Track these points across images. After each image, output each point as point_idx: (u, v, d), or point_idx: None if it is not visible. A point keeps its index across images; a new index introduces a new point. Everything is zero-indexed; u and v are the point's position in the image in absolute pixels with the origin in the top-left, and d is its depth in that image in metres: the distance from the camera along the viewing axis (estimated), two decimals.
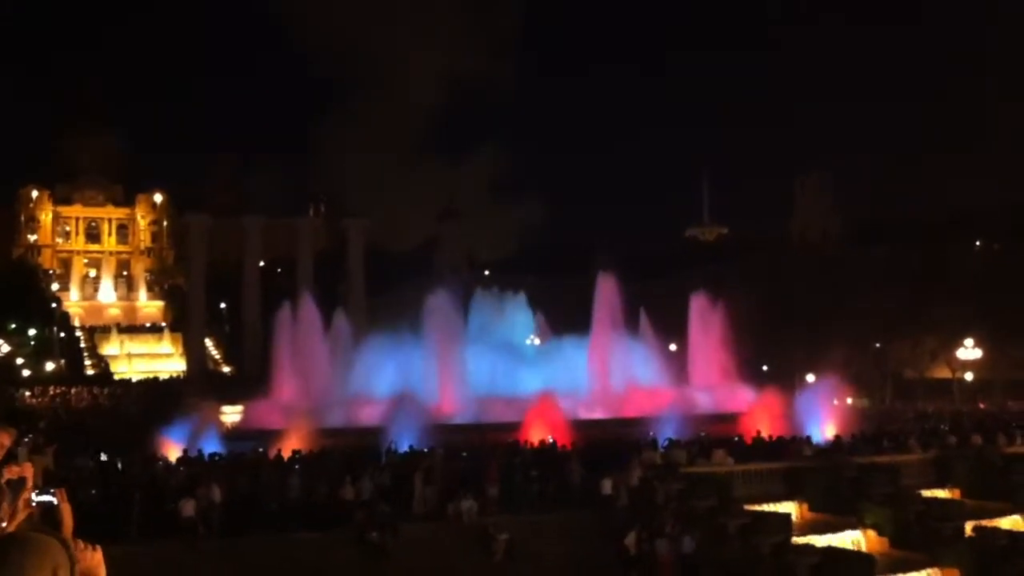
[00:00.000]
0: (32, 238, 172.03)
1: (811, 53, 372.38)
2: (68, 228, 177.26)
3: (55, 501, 3.85)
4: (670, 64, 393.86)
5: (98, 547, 3.44)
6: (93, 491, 31.65)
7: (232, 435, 51.12)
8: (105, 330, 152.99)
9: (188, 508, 30.98)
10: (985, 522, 33.51)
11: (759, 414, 53.97)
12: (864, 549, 32.50)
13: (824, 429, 50.61)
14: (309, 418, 50.47)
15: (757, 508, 33.73)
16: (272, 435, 46.87)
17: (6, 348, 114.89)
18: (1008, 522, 34.43)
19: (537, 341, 76.42)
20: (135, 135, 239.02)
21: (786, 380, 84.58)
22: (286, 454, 40.99)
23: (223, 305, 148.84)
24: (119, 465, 39.23)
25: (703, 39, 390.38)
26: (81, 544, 3.41)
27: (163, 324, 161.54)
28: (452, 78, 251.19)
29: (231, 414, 62.11)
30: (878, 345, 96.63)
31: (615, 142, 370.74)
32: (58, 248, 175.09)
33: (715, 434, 48.25)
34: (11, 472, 4.64)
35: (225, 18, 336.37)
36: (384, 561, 29.46)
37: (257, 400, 61.39)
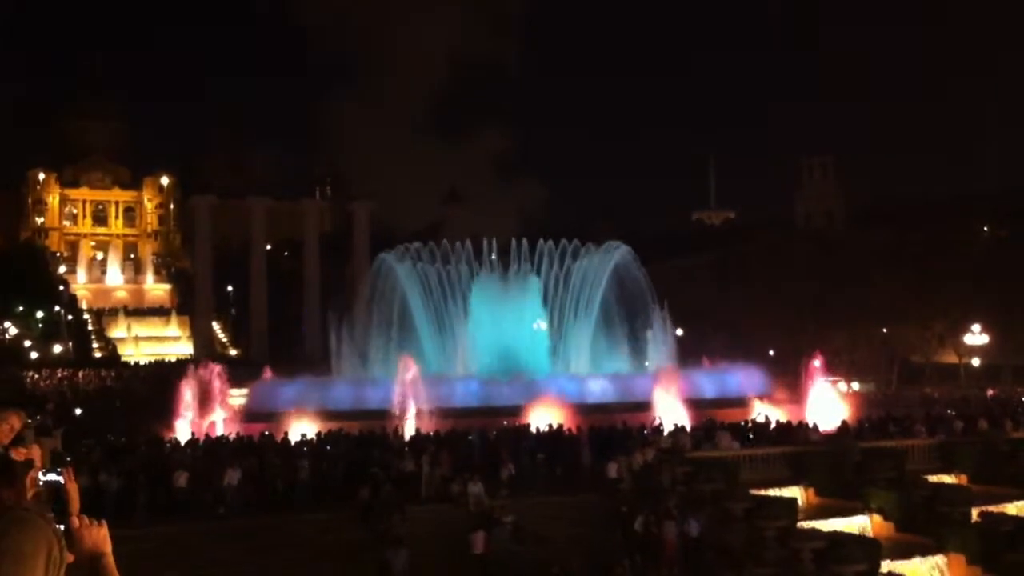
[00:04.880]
0: (39, 221, 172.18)
1: (818, 34, 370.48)
2: (75, 211, 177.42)
3: (62, 481, 3.85)
4: (677, 48, 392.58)
5: (103, 523, 3.45)
6: (101, 473, 31.82)
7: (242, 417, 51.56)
8: (112, 313, 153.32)
9: (181, 480, 31.32)
10: (991, 507, 33.50)
11: (768, 400, 54.06)
12: (870, 534, 32.54)
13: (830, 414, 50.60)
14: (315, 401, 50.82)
15: (763, 492, 33.78)
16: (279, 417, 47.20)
17: (14, 331, 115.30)
18: (1015, 507, 34.38)
19: (543, 326, 76.32)
20: (138, 117, 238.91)
21: (792, 364, 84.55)
22: (294, 436, 41.20)
23: (230, 288, 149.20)
24: (126, 447, 39.44)
25: (708, 23, 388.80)
26: (87, 520, 3.41)
27: (170, 307, 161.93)
28: (456, 58, 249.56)
29: (238, 397, 62.35)
30: (885, 330, 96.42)
31: (622, 125, 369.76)
32: (65, 231, 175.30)
33: (722, 419, 48.26)
34: (19, 454, 4.65)
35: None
36: (389, 543, 29.52)
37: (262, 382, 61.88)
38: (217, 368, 52.51)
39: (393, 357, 61.29)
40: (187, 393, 48.98)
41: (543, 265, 72.87)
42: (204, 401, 50.04)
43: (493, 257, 74.40)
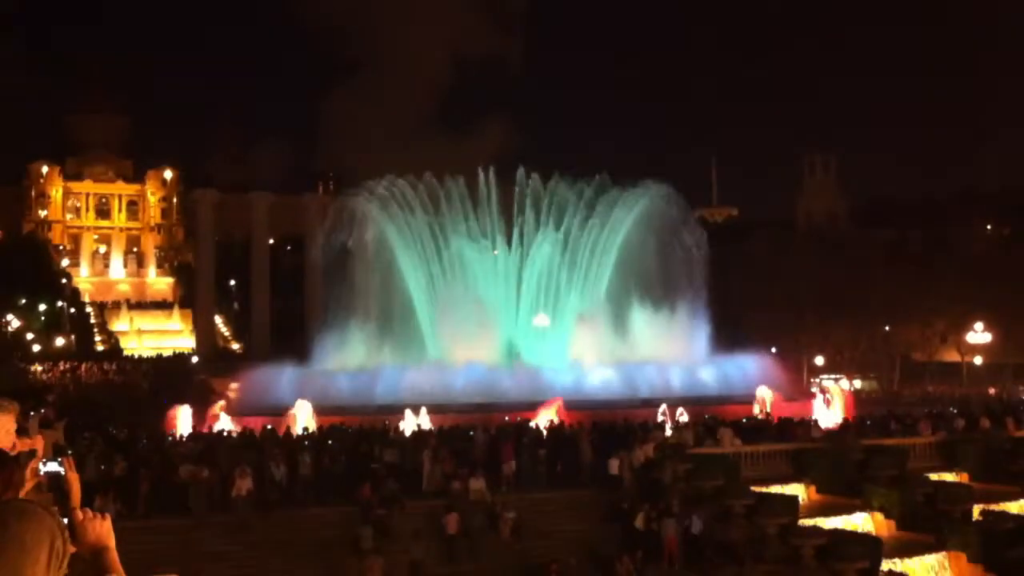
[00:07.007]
0: (42, 214, 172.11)
1: (820, 32, 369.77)
2: (78, 204, 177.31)
3: (62, 471, 3.83)
4: (679, 43, 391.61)
5: (107, 516, 3.42)
6: (103, 466, 31.80)
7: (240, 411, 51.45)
8: (115, 306, 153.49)
9: (185, 472, 31.28)
10: (993, 506, 33.51)
11: (769, 396, 53.78)
12: (871, 532, 32.51)
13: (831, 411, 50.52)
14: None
15: (764, 489, 33.76)
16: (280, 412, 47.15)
17: (16, 323, 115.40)
18: (1016, 506, 34.38)
19: (545, 322, 76.05)
20: (140, 111, 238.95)
21: (794, 362, 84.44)
22: (295, 431, 41.16)
23: (232, 282, 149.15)
24: (128, 439, 39.45)
25: (709, 22, 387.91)
26: (90, 513, 3.38)
27: (173, 301, 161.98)
28: (458, 54, 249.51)
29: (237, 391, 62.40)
30: (887, 328, 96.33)
31: (623, 123, 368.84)
32: (68, 224, 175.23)
33: (723, 415, 48.05)
34: (23, 444, 4.63)
35: None
36: (390, 538, 29.54)
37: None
38: None
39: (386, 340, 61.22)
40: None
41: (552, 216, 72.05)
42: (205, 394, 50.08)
43: (496, 252, 74.22)
